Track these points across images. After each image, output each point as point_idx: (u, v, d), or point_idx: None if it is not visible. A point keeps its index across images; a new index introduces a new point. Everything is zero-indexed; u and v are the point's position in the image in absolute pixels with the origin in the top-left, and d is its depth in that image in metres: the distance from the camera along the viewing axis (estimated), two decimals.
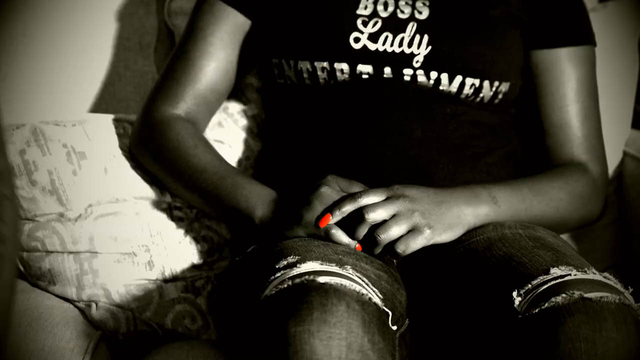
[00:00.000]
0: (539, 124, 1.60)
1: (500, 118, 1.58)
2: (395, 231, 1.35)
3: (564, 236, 1.73)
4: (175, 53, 1.60)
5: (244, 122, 1.68)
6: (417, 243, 1.36)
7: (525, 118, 1.63)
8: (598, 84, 1.61)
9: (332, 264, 1.25)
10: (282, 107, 1.60)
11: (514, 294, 1.23)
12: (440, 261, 1.42)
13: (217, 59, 1.58)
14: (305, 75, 1.52)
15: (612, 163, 1.77)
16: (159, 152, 1.53)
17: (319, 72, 1.51)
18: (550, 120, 1.58)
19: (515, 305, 1.22)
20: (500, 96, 1.54)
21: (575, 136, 1.57)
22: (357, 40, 1.50)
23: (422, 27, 1.50)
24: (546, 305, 1.18)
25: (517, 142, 1.64)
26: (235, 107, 1.70)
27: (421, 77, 1.50)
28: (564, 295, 1.18)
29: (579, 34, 1.59)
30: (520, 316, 1.20)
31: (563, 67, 1.57)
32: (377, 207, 1.36)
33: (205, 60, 1.57)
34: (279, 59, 1.55)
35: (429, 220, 1.37)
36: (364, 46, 1.50)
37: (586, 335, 1.14)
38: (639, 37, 1.79)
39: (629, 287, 1.24)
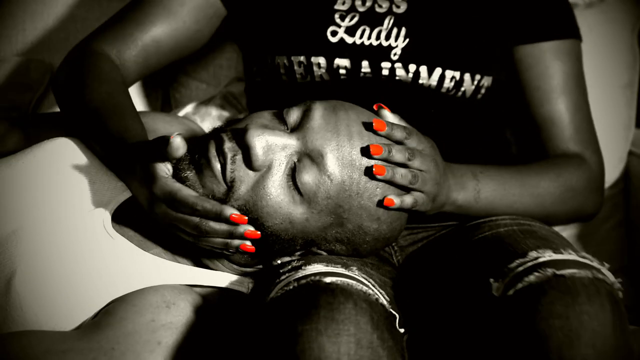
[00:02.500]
0: (529, 118, 1.57)
1: (487, 116, 1.55)
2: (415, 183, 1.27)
3: (571, 239, 1.70)
4: (130, 1, 1.54)
5: None
6: (420, 206, 1.30)
7: (517, 113, 1.60)
8: (597, 82, 1.60)
9: (338, 266, 1.22)
10: (262, 107, 1.57)
11: (491, 279, 1.20)
12: (439, 267, 1.39)
13: (172, 15, 1.51)
14: (282, 70, 1.49)
15: (618, 163, 1.73)
16: (72, 76, 1.43)
17: (296, 67, 1.48)
18: (540, 115, 1.55)
19: (492, 290, 1.19)
20: (482, 91, 1.51)
21: (567, 129, 1.54)
22: (334, 33, 1.48)
23: (400, 20, 1.48)
24: (520, 285, 1.15)
25: (506, 140, 1.61)
26: (230, 116, 1.70)
27: (400, 71, 1.47)
28: (536, 273, 1.15)
29: (562, 28, 1.55)
30: (497, 300, 1.18)
31: (548, 62, 1.54)
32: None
33: (159, 9, 1.51)
34: (257, 55, 1.53)
35: (436, 192, 1.31)
36: (341, 39, 1.48)
37: (560, 311, 1.11)
38: (638, 30, 1.75)
39: (605, 264, 1.20)
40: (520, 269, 1.18)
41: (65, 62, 1.47)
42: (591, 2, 1.70)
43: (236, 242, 1.22)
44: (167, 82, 1.84)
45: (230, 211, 1.19)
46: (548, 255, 1.19)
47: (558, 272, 1.14)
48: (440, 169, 1.31)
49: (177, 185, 1.20)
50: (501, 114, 1.61)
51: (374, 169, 1.22)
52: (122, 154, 1.28)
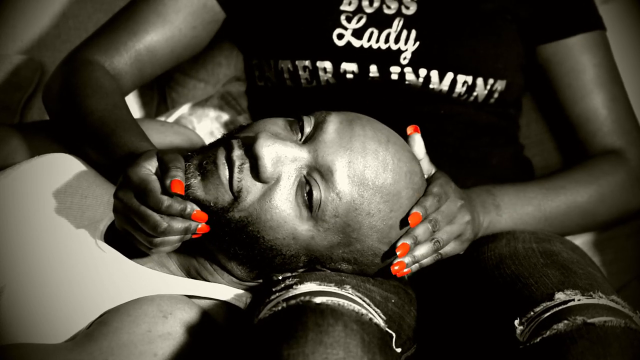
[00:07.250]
0: (565, 118, 1.53)
1: (499, 119, 1.50)
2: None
3: (586, 245, 1.64)
4: (123, 7, 1.49)
5: None
6: (458, 249, 1.27)
7: (552, 116, 1.57)
8: None
9: (331, 284, 1.17)
10: (264, 111, 1.52)
11: (516, 322, 1.16)
12: (450, 279, 1.35)
13: (168, 23, 1.46)
14: (286, 75, 1.44)
15: None
16: (65, 88, 1.38)
17: (301, 72, 1.43)
18: (575, 112, 1.51)
19: (517, 334, 1.15)
20: (495, 95, 1.46)
21: (605, 123, 1.50)
22: (340, 36, 1.43)
23: (410, 22, 1.43)
24: (548, 333, 1.11)
25: (519, 144, 1.56)
26: (228, 117, 1.65)
27: (410, 75, 1.42)
28: (566, 321, 1.11)
29: (586, 20, 1.51)
30: (521, 346, 1.13)
31: (577, 57, 1.49)
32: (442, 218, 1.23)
33: (153, 17, 1.46)
34: (259, 59, 1.48)
35: (474, 229, 1.29)
36: (348, 43, 1.42)
37: None
38: None
39: (637, 312, 1.16)
40: (548, 314, 1.13)
41: (58, 73, 1.42)
42: None
43: (187, 236, 1.16)
44: (163, 80, 1.79)
45: (195, 208, 1.14)
46: (577, 300, 1.14)
47: (589, 321, 1.10)
48: (476, 220, 1.30)
49: (153, 177, 1.14)
50: (514, 118, 1.56)
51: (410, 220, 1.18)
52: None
